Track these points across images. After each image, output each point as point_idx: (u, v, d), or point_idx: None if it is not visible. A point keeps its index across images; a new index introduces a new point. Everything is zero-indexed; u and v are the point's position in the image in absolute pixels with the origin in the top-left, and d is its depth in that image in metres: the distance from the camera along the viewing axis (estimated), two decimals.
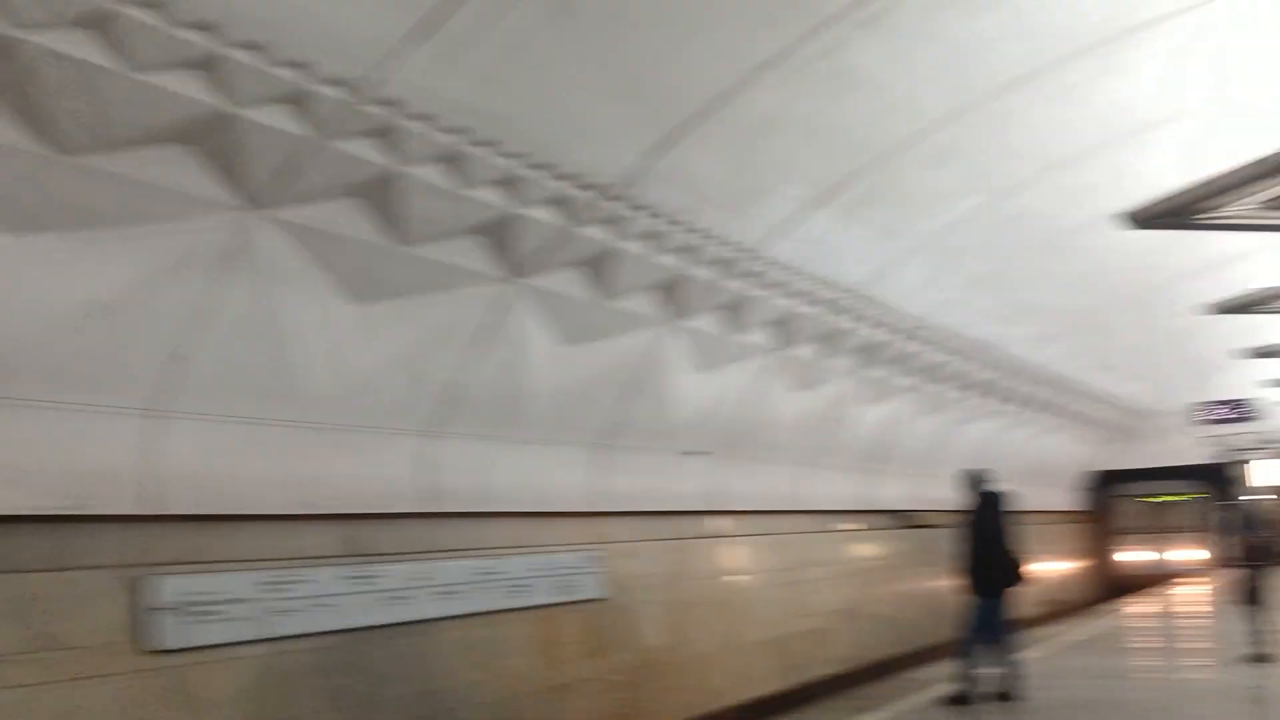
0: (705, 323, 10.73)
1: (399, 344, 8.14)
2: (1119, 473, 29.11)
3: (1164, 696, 9.13)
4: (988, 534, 8.97)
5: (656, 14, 6.82)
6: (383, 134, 6.58)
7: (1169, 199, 7.70)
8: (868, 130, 9.32)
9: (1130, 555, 29.12)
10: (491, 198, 7.54)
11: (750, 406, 12.60)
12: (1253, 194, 7.49)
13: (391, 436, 8.64)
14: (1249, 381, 24.38)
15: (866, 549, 17.00)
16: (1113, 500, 29.49)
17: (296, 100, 6.07)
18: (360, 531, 8.39)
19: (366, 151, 6.61)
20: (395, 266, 7.56)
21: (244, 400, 7.34)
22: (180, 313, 6.65)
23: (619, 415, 10.73)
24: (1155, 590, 23.90)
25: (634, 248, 8.94)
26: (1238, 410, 26.34)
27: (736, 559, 13.49)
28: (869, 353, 13.72)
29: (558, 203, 7.97)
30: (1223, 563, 26.63)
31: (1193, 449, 27.01)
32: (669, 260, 9.40)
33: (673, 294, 9.93)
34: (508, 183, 7.51)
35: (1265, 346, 17.62)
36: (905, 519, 18.34)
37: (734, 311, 10.88)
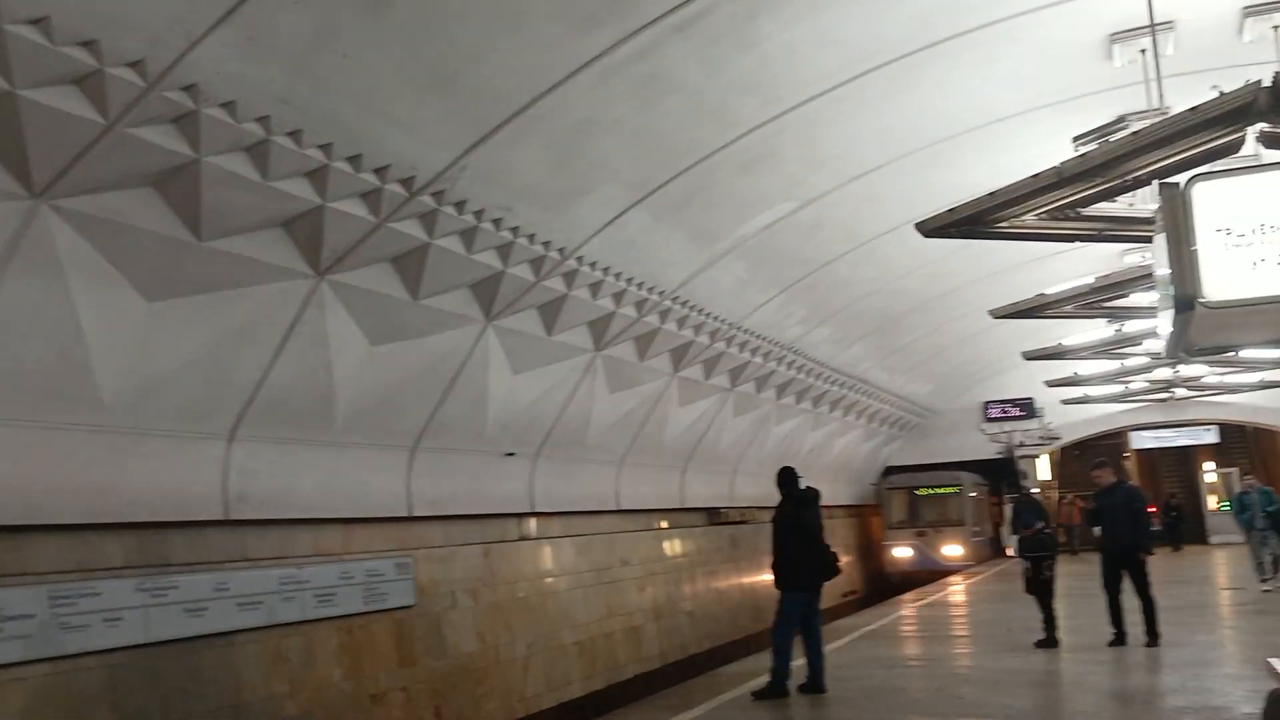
0: (523, 322, 10.64)
1: (198, 343, 7.73)
2: (897, 468, 29.07)
3: (956, 683, 9.58)
4: (801, 530, 9.21)
5: (475, 8, 6.69)
6: (180, 120, 6.22)
7: (955, 210, 8.06)
8: (683, 135, 9.44)
9: (898, 550, 27.72)
10: (298, 189, 7.24)
11: (568, 407, 12.58)
12: (1034, 205, 7.91)
13: (190, 441, 8.20)
14: (1033, 381, 26.05)
15: (679, 547, 17.27)
16: (885, 493, 28.74)
17: (85, 82, 5.67)
18: (156, 541, 7.94)
19: (162, 139, 6.23)
20: (194, 261, 7.17)
21: (27, 402, 6.82)
22: None
23: (434, 417, 10.53)
24: (924, 587, 21.95)
25: (449, 245, 8.77)
26: (1022, 408, 28.19)
27: (552, 561, 13.45)
28: (684, 354, 13.93)
29: (369, 196, 7.73)
30: (989, 556, 27.90)
31: (982, 445, 28.70)
32: (486, 258, 9.27)
33: (490, 293, 9.80)
34: (316, 174, 7.24)
35: (1047, 348, 18.77)
36: (716, 516, 18.74)
37: (552, 311, 10.83)
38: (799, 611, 9.17)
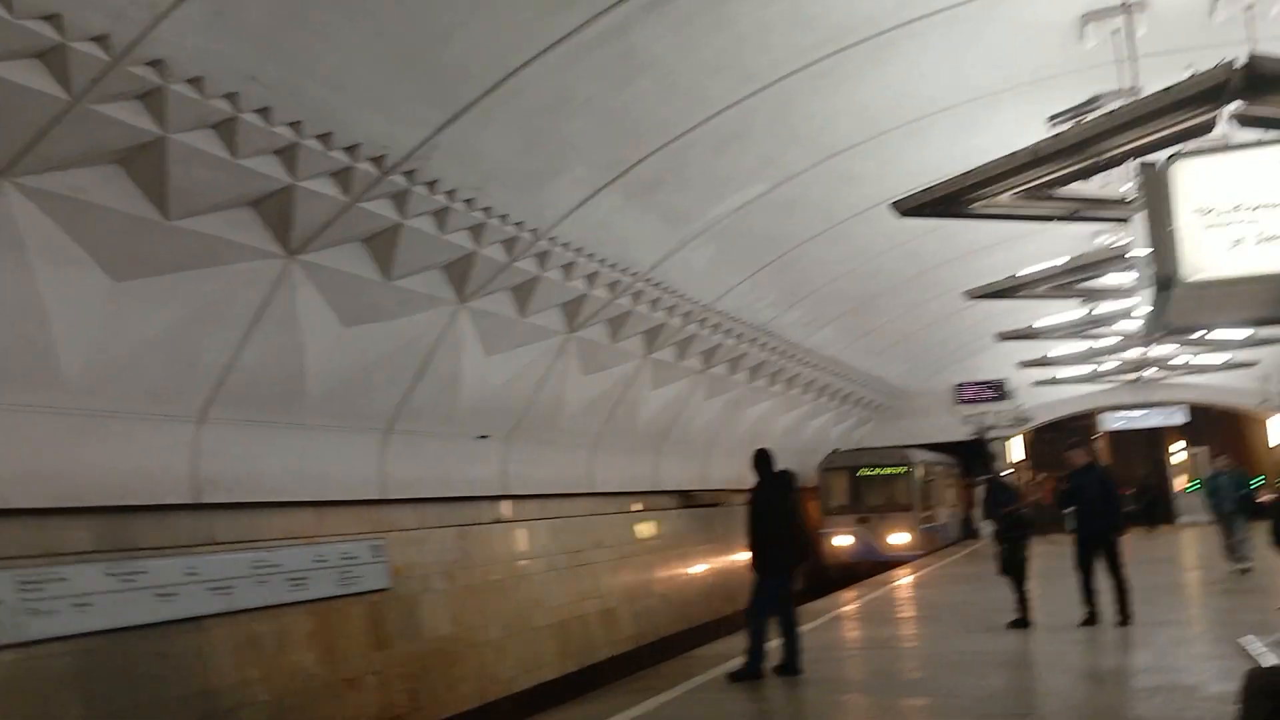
0: (496, 304, 10.56)
1: (165, 324, 7.61)
2: (844, 451, 26.21)
3: (929, 665, 9.63)
4: (776, 512, 9.20)
5: None
6: (146, 96, 6.10)
7: (930, 189, 8.06)
8: (655, 115, 9.38)
9: (837, 539, 24.64)
10: (267, 168, 7.13)
11: (541, 389, 12.53)
12: (1009, 185, 7.92)
13: (157, 423, 8.09)
14: (1005, 363, 26.19)
15: (652, 529, 17.27)
16: (824, 475, 25.40)
17: (48, 56, 5.54)
18: (123, 525, 7.83)
19: (128, 115, 6.12)
20: (160, 240, 7.05)
21: None
22: None
23: (406, 399, 10.44)
24: (865, 580, 19.51)
25: (421, 225, 8.68)
26: (995, 390, 28.28)
27: (525, 544, 13.41)
28: (656, 336, 13.89)
29: (340, 175, 7.63)
30: (943, 545, 25.83)
31: (954, 427, 28.77)
32: (457, 239, 9.18)
33: (462, 274, 9.72)
34: (285, 152, 7.13)
35: (1019, 330, 18.89)
36: (690, 499, 18.76)
37: (525, 293, 10.76)
38: (774, 594, 9.17)
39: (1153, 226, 6.13)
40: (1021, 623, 11.34)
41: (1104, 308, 16.80)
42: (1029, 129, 9.49)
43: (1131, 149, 6.87)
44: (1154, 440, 35.41)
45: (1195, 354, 22.69)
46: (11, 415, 6.90)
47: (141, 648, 7.80)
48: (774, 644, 9.18)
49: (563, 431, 13.76)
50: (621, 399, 14.65)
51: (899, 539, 24.30)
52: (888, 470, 25.24)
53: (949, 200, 8.23)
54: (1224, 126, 6.88)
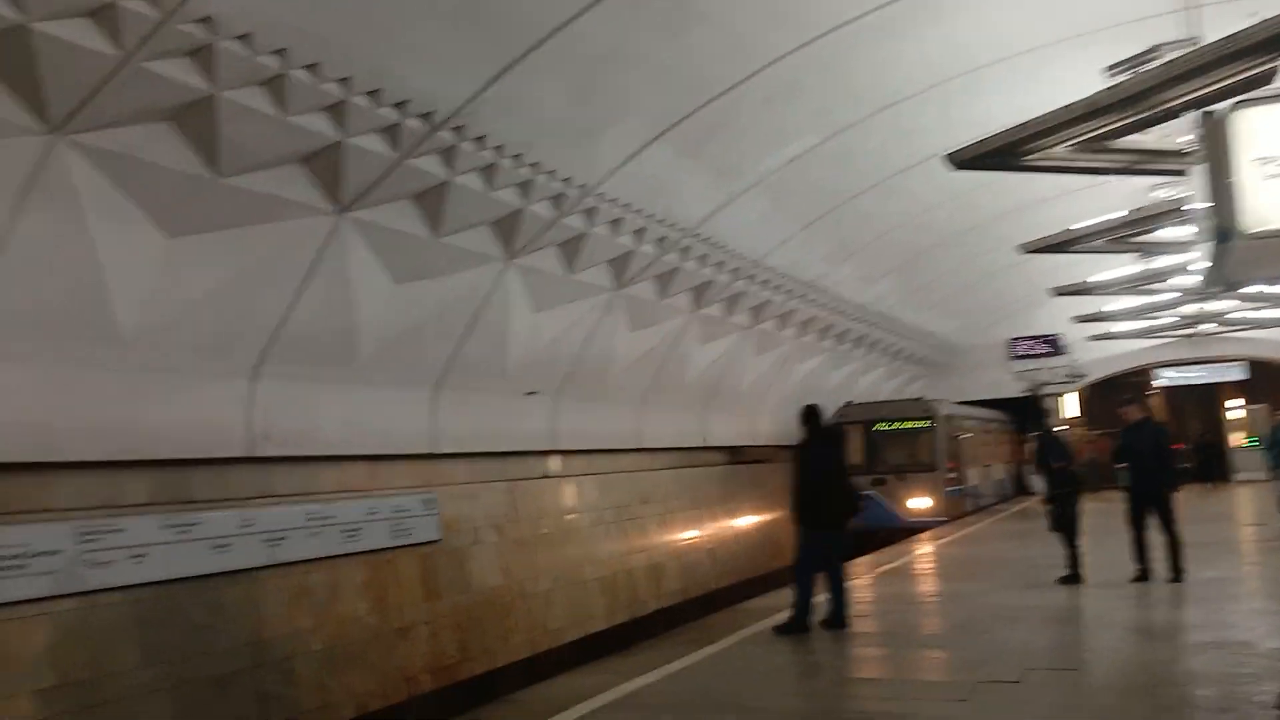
0: (544, 261, 10.57)
1: (219, 280, 7.70)
2: (859, 404, 22.68)
3: (980, 619, 9.59)
4: (823, 468, 9.17)
5: None
6: (195, 53, 6.13)
7: (986, 141, 7.93)
8: (708, 66, 9.27)
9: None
10: (317, 124, 7.16)
11: (589, 346, 12.55)
12: (1065, 137, 7.76)
13: (213, 378, 8.22)
14: (1060, 318, 25.81)
15: (701, 485, 17.31)
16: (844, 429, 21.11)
17: (99, 14, 5.59)
18: (180, 478, 7.99)
19: (178, 72, 6.16)
20: (212, 197, 7.12)
21: (47, 339, 6.82)
22: None
23: (456, 355, 10.51)
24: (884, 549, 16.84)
25: (469, 182, 8.68)
26: (1049, 345, 27.85)
27: (574, 498, 13.51)
28: (704, 292, 13.83)
29: (388, 131, 7.64)
30: (963, 511, 22.07)
31: (1007, 383, 28.43)
32: (505, 195, 9.18)
33: (510, 231, 9.72)
34: (334, 109, 7.15)
35: (1074, 284, 18.59)
36: (738, 454, 18.76)
37: (572, 249, 10.75)
38: (821, 548, 9.18)
39: (1212, 178, 5.97)
40: (1072, 579, 11.26)
41: (1161, 262, 16.46)
42: (1086, 80, 9.26)
43: (1191, 99, 6.69)
44: (1211, 396, 34.74)
45: (1255, 308, 22.19)
46: (71, 370, 7.04)
47: (196, 598, 7.98)
48: (821, 598, 9.20)
49: (611, 387, 13.80)
50: (670, 355, 14.64)
51: (921, 503, 21.10)
52: (909, 424, 21.98)
53: (1005, 152, 8.09)
54: None
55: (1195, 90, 6.60)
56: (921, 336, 24.69)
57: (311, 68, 6.69)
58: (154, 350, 7.56)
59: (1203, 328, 24.71)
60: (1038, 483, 13.03)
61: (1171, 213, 11.58)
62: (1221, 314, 22.87)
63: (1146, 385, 30.72)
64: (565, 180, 9.55)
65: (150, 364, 7.59)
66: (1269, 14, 5.91)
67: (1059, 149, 8.13)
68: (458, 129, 8.03)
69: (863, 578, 12.68)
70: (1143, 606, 10.01)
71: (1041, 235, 13.30)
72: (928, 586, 12.38)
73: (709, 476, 17.65)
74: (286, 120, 6.89)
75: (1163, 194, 13.72)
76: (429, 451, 10.65)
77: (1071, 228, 13.26)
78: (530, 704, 7.03)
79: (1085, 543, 11.69)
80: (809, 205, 13.63)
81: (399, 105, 7.46)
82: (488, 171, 8.75)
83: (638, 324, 13.18)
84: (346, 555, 9.48)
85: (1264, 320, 23.49)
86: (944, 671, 7.67)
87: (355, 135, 7.44)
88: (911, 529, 19.61)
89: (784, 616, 9.30)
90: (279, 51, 6.44)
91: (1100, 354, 27.72)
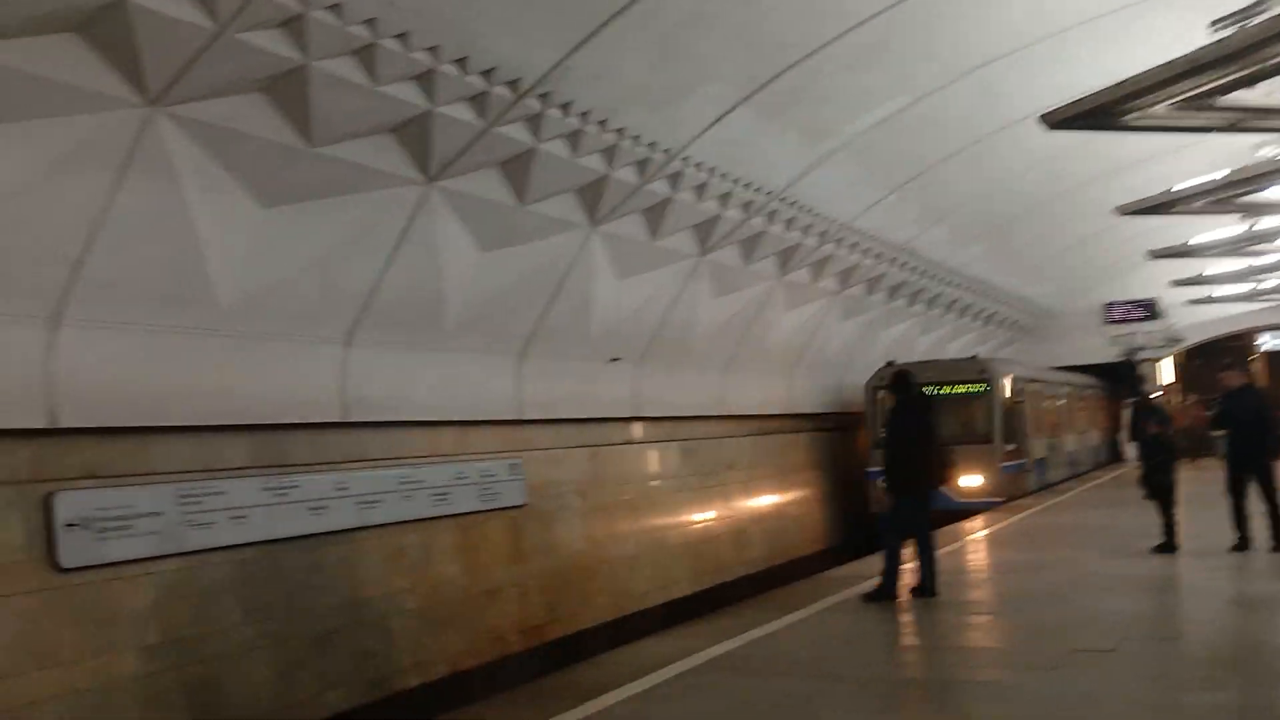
0: (627, 227, 10.58)
1: (312, 249, 7.86)
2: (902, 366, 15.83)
3: (1068, 587, 9.43)
4: (913, 434, 9.06)
5: None
6: (287, 24, 6.22)
7: (1082, 100, 7.71)
8: (792, 29, 9.14)
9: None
10: (406, 94, 7.24)
11: (672, 312, 12.55)
12: (1166, 95, 7.52)
13: (307, 345, 8.41)
14: (1157, 282, 25.06)
15: (785, 452, 17.24)
16: (871, 394, 18.07)
17: None
18: (276, 442, 8.20)
19: (271, 43, 6.26)
20: (305, 167, 7.25)
21: (147, 306, 7.04)
22: (77, 214, 6.31)
23: (541, 322, 10.60)
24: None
25: (554, 149, 8.71)
26: (1145, 309, 27.01)
27: (657, 464, 13.57)
28: (791, 257, 13.71)
29: (476, 100, 7.69)
30: (1025, 491, 19.04)
31: (1101, 349, 27.67)
32: (590, 162, 9.19)
33: (594, 197, 9.74)
34: (423, 78, 7.21)
35: (1173, 247, 18.04)
36: (822, 421, 18.62)
37: (656, 215, 10.73)
38: (911, 515, 9.09)
39: None
40: (1167, 547, 11.01)
41: (1265, 223, 15.90)
42: (1188, 36, 8.91)
43: None
44: None
45: None
46: (172, 337, 7.26)
47: (294, 558, 8.21)
48: (910, 565, 9.13)
49: (694, 354, 13.79)
50: (754, 321, 14.57)
51: (973, 481, 17.47)
52: (960, 389, 18.37)
53: (1101, 112, 7.87)
54: None
55: None
56: (1015, 300, 24.18)
57: (400, 37, 6.76)
58: (250, 318, 7.75)
59: None
60: (1132, 450, 12.73)
61: (1277, 172, 11.16)
62: None
63: (1248, 350, 29.75)
64: (650, 145, 9.52)
65: (247, 331, 7.79)
66: None
67: (1159, 107, 7.88)
68: (543, 96, 8.05)
69: (954, 544, 12.54)
70: (1242, 576, 9.75)
71: (1136, 198, 12.91)
72: (1018, 555, 12.18)
73: (793, 443, 17.56)
74: (376, 90, 6.97)
75: (1269, 152, 13.22)
76: (514, 417, 10.78)
77: (1171, 189, 12.86)
78: (617, 665, 7.11)
79: (1180, 511, 11.41)
80: (898, 168, 13.41)
81: (486, 73, 7.50)
82: (573, 138, 8.77)
83: (722, 290, 13.13)
84: (437, 518, 9.67)
85: None
86: (1036, 639, 7.55)
87: (444, 104, 7.50)
88: (961, 512, 15.90)
89: (871, 584, 9.24)
90: (368, 21, 6.51)
91: (1199, 318, 26.86)
